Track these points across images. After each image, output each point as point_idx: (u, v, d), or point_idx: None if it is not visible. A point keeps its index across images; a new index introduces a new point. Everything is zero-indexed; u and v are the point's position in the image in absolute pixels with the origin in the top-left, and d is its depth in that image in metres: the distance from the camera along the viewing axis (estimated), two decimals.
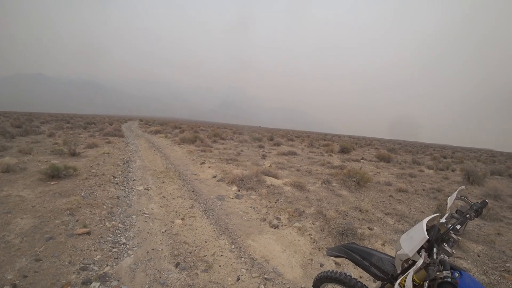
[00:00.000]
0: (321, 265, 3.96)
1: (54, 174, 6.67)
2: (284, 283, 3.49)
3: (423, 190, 8.86)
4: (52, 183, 6.33)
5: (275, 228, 5.05)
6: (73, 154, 10.00)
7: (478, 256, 4.37)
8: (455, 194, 1.68)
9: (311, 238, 4.68)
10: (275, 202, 6.27)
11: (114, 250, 3.91)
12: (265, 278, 3.53)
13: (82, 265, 3.40)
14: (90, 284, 3.10)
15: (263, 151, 16.64)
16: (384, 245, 4.53)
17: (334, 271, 2.27)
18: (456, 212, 1.65)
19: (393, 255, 1.90)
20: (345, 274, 2.19)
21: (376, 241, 4.64)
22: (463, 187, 1.75)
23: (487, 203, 1.63)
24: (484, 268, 4.03)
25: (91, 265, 3.44)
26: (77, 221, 4.51)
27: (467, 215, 1.57)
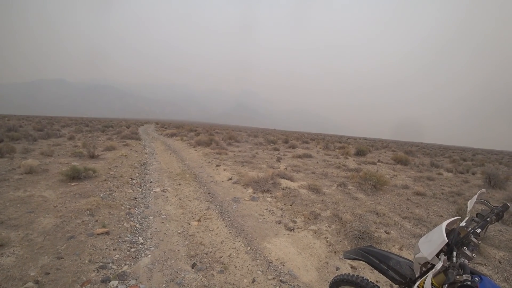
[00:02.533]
0: (337, 269, 3.91)
1: (75, 176, 6.87)
2: (300, 286, 3.46)
3: (442, 193, 8.60)
4: (72, 184, 6.53)
5: (291, 230, 5.02)
6: (92, 157, 10.27)
7: (499, 262, 4.21)
8: (475, 197, 1.64)
9: (327, 241, 4.63)
10: (291, 205, 6.23)
11: (132, 250, 3.99)
12: (281, 281, 3.51)
13: (101, 264, 3.48)
14: (109, 282, 3.16)
15: (278, 153, 16.58)
16: (402, 250, 4.43)
17: (351, 274, 2.24)
18: (477, 216, 1.60)
19: (411, 259, 1.86)
20: (362, 277, 2.16)
21: (393, 245, 4.54)
22: (483, 190, 1.70)
23: (509, 206, 1.57)
24: (506, 275, 3.88)
25: (110, 264, 3.52)
26: (96, 221, 4.63)
27: (488, 219, 1.52)
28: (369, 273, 3.79)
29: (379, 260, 2.00)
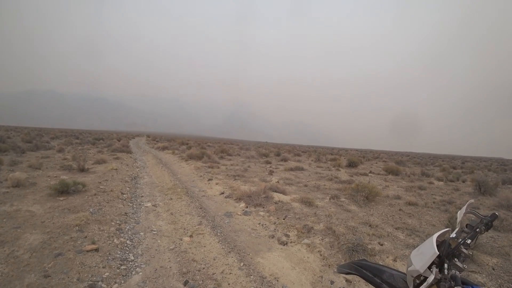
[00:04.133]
0: (332, 283, 3.87)
1: (63, 190, 6.72)
2: None
3: (434, 202, 8.69)
4: (61, 199, 6.38)
5: (284, 245, 4.98)
6: (82, 170, 10.09)
7: (493, 269, 4.25)
8: (464, 208, 1.66)
9: (321, 255, 4.60)
10: (284, 219, 6.20)
11: (122, 267, 3.89)
12: None
13: (90, 282, 3.37)
14: None
15: (270, 166, 16.58)
16: (396, 261, 4.42)
17: None
18: (466, 226, 1.63)
19: (404, 271, 1.87)
20: None
21: (387, 257, 4.53)
22: (472, 200, 1.73)
23: (497, 216, 1.61)
24: (500, 281, 3.91)
25: (99, 282, 3.42)
26: (85, 237, 4.52)
27: (477, 229, 1.54)
28: (364, 286, 3.76)
29: (373, 274, 1.99)
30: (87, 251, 4.08)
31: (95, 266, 3.76)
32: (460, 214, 1.66)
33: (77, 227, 4.79)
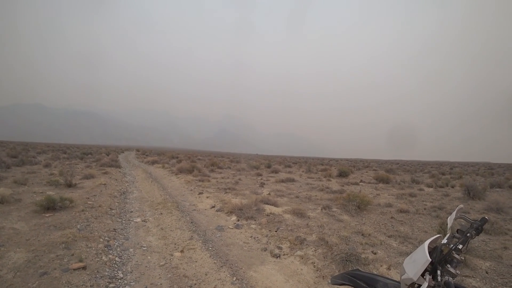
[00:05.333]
0: None
1: (50, 206, 6.55)
2: None
3: (425, 209, 8.78)
4: (47, 215, 6.21)
5: (277, 257, 4.93)
6: (69, 185, 9.87)
7: (487, 272, 4.29)
8: (454, 213, 1.69)
9: (314, 266, 4.56)
10: (276, 231, 6.15)
11: (111, 285, 3.77)
12: None
13: None
14: None
15: (261, 179, 16.54)
16: (390, 269, 4.42)
17: None
18: (457, 232, 1.64)
19: (398, 279, 1.87)
20: None
21: (381, 266, 4.53)
22: (461, 206, 1.76)
23: (487, 220, 1.63)
24: (494, 284, 3.95)
25: None
26: (72, 255, 4.38)
27: (468, 234, 1.56)
28: None
29: (367, 284, 1.98)
30: (74, 269, 3.95)
31: (82, 285, 3.64)
32: (450, 220, 1.68)
33: (63, 245, 4.65)
